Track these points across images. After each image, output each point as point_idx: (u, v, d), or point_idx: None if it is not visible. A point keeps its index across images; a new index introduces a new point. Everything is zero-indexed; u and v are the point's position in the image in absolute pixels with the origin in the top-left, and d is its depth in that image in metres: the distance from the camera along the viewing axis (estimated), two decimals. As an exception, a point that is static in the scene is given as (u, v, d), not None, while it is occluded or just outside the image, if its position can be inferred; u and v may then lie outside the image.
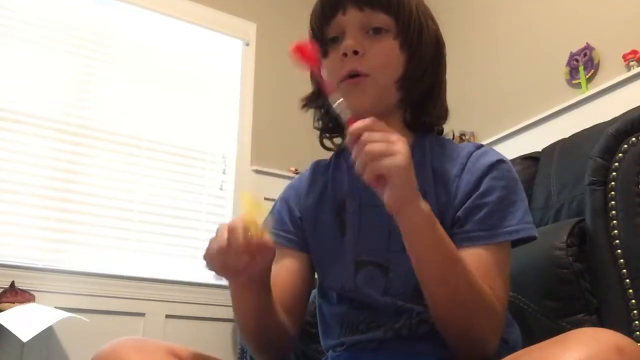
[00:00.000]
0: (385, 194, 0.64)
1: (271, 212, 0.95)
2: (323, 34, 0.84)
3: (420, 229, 0.67)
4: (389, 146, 0.63)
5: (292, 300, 0.84)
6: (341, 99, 0.70)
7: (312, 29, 0.86)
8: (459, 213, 0.77)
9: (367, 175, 0.64)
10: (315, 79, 0.91)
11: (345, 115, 0.70)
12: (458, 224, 0.77)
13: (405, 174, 0.64)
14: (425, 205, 0.67)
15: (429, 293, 0.71)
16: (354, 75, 0.80)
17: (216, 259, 0.68)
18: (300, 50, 0.74)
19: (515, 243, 0.78)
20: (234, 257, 0.66)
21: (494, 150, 0.84)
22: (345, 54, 0.80)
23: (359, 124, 0.65)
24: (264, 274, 0.74)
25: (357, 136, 0.65)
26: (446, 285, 0.69)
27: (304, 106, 0.94)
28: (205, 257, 0.69)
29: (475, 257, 0.74)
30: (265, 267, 0.73)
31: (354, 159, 0.65)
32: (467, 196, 0.78)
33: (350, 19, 0.82)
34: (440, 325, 0.73)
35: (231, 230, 0.66)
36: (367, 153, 0.63)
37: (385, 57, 0.81)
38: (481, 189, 0.77)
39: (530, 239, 0.78)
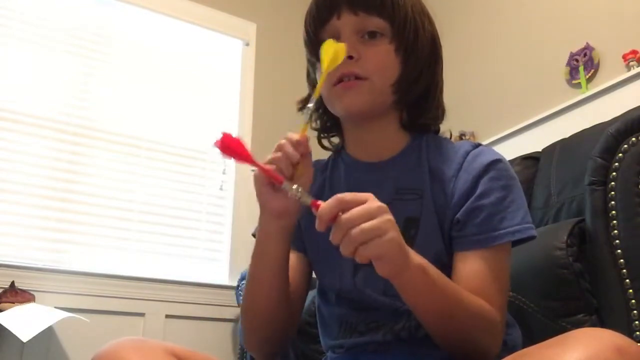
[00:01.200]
0: (377, 266, 0.61)
1: None
2: (318, 37, 0.84)
3: (415, 287, 0.67)
4: (374, 225, 0.58)
5: (293, 297, 0.85)
6: (295, 185, 0.64)
7: (307, 32, 0.86)
8: (458, 216, 0.77)
9: (360, 259, 0.59)
10: (311, 83, 0.91)
11: (307, 200, 0.63)
12: (457, 227, 0.77)
13: (399, 248, 0.61)
14: (416, 260, 0.65)
15: (427, 327, 0.72)
16: (350, 78, 0.80)
17: (274, 154, 0.69)
18: (227, 145, 0.64)
19: (515, 243, 0.78)
20: (290, 148, 0.68)
21: (490, 149, 0.83)
22: None
23: (326, 207, 0.59)
24: (291, 221, 0.76)
25: (329, 220, 0.59)
26: (443, 321, 0.70)
27: (300, 109, 0.94)
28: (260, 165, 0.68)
29: (474, 264, 0.74)
30: (305, 186, 0.70)
31: (333, 242, 0.59)
32: (465, 197, 0.77)
33: (345, 23, 0.81)
34: (440, 346, 0.73)
35: (288, 133, 0.71)
36: (354, 240, 0.58)
37: (380, 61, 0.81)
38: (479, 190, 0.77)
39: (530, 239, 0.78)
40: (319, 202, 0.61)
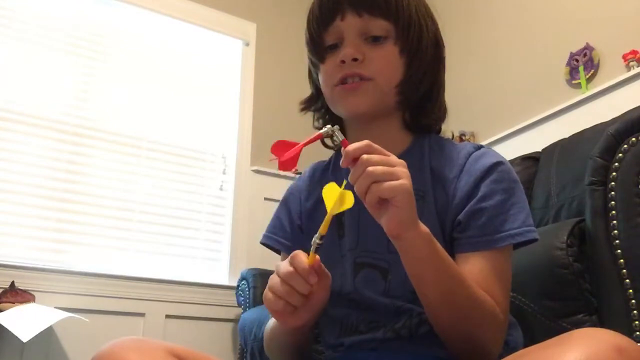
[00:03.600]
0: (386, 217, 0.63)
1: (273, 216, 0.95)
2: (321, 40, 0.84)
3: (420, 251, 0.66)
4: (390, 169, 0.62)
5: None
6: (329, 126, 0.69)
7: (310, 33, 0.86)
8: (460, 217, 0.77)
9: (370, 198, 0.62)
10: (314, 83, 0.91)
11: (337, 140, 0.67)
12: (459, 229, 0.77)
13: (410, 197, 0.62)
14: (424, 227, 0.66)
15: (428, 309, 0.72)
16: (354, 79, 0.80)
17: (282, 287, 0.66)
18: (279, 149, 0.67)
19: (517, 245, 0.78)
20: (300, 280, 0.66)
21: (493, 151, 0.83)
22: (343, 61, 0.80)
23: (355, 145, 0.63)
24: (318, 311, 0.73)
25: (354, 158, 0.63)
26: (446, 301, 0.69)
27: (302, 109, 0.93)
28: (267, 294, 0.68)
29: (476, 264, 0.74)
30: (323, 301, 0.72)
31: (351, 181, 0.63)
32: (466, 199, 0.77)
33: (349, 25, 0.81)
34: (442, 335, 0.73)
35: (293, 256, 0.67)
36: (370, 175, 0.61)
37: (385, 63, 0.80)
38: (480, 192, 0.77)
39: (531, 242, 0.77)
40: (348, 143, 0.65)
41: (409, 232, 0.64)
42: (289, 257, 0.67)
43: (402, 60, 0.82)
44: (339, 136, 0.67)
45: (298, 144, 0.68)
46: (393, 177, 0.61)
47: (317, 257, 0.66)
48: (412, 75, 0.82)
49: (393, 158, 0.64)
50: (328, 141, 0.94)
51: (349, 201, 0.65)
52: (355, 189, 0.63)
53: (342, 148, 0.64)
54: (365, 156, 0.62)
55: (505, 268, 0.76)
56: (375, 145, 0.64)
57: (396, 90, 0.82)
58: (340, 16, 0.81)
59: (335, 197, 0.65)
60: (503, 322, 0.73)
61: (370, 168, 0.61)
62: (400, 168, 0.63)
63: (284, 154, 0.67)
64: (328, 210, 0.66)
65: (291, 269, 0.66)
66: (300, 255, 0.66)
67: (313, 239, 0.67)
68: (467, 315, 0.69)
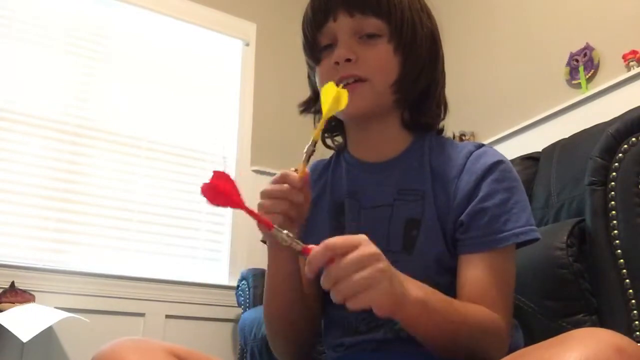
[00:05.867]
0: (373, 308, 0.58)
1: None
2: (316, 41, 0.84)
3: (414, 318, 0.64)
4: (363, 276, 0.55)
5: (313, 297, 0.85)
6: (286, 231, 0.61)
7: (305, 35, 0.86)
8: (462, 218, 0.76)
9: (352, 307, 0.56)
10: (312, 85, 0.91)
11: (297, 247, 0.60)
12: (462, 230, 0.76)
13: (390, 298, 0.58)
14: (412, 294, 0.62)
15: (430, 349, 0.71)
16: (349, 80, 0.79)
17: (281, 204, 0.69)
18: (213, 189, 0.62)
19: (519, 245, 0.78)
20: (297, 193, 0.69)
21: (493, 150, 0.83)
22: (337, 63, 0.80)
23: (315, 257, 0.56)
24: (303, 222, 0.75)
25: (319, 268, 0.57)
26: (446, 342, 0.68)
27: (302, 111, 0.93)
28: (263, 216, 0.65)
29: (479, 269, 0.74)
30: (307, 211, 0.74)
31: (325, 289, 0.57)
32: (467, 198, 0.77)
33: (342, 26, 0.81)
34: None
35: (285, 175, 0.69)
36: (342, 292, 0.55)
37: (379, 61, 0.80)
38: (482, 192, 0.77)
39: (533, 241, 0.77)
40: (310, 247, 0.58)
41: (396, 314, 0.62)
42: (280, 176, 0.69)
43: (397, 58, 0.81)
44: (298, 246, 0.60)
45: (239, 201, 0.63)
46: (370, 283, 0.55)
47: (306, 170, 0.69)
48: (408, 73, 0.82)
49: (364, 253, 0.56)
50: (329, 141, 0.94)
51: (344, 101, 0.66)
52: (332, 297, 0.57)
53: (304, 256, 0.58)
54: (333, 267, 0.56)
55: (508, 270, 0.76)
56: (338, 243, 0.56)
57: (393, 89, 0.81)
58: (333, 17, 0.81)
59: (330, 99, 0.65)
60: (506, 334, 0.73)
61: (343, 284, 0.55)
62: (375, 268, 0.56)
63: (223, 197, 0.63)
64: (324, 113, 0.66)
65: (286, 186, 0.68)
66: (291, 173, 0.69)
67: (306, 147, 0.68)
68: (468, 345, 0.69)
